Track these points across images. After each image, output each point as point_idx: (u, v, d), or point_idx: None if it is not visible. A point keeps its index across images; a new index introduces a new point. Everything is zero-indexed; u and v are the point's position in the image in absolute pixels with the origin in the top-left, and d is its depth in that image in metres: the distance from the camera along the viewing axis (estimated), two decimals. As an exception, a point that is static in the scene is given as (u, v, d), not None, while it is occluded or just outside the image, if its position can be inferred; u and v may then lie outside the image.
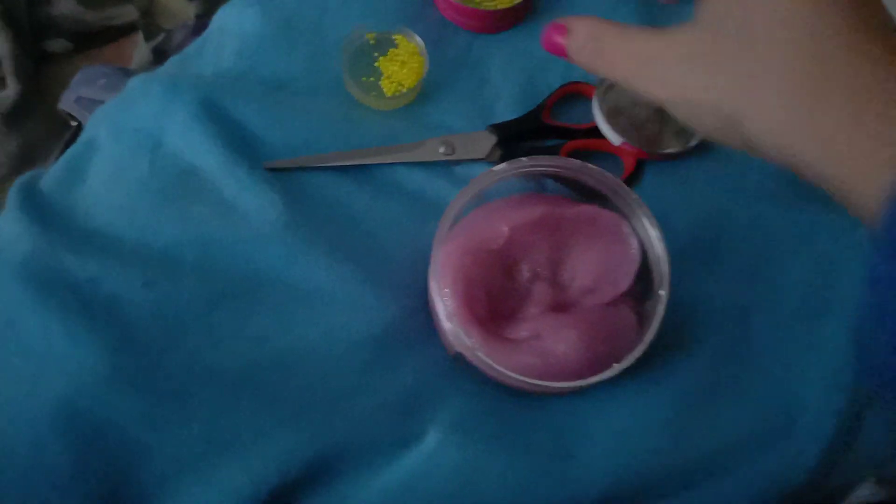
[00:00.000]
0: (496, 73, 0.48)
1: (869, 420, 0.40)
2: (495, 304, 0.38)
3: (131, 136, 0.44)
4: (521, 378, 0.35)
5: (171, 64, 0.48)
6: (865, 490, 0.43)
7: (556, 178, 0.42)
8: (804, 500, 0.40)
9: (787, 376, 0.41)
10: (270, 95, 0.45)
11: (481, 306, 0.37)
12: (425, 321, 0.41)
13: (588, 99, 0.46)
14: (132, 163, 0.43)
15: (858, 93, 0.25)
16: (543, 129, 0.46)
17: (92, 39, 0.96)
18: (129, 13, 0.95)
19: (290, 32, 0.47)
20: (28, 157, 0.89)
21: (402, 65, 0.47)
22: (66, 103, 0.84)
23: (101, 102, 0.47)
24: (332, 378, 0.39)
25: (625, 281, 0.38)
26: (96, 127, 0.46)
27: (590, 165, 0.39)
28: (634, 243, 0.39)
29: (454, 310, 0.36)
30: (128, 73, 0.85)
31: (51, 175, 0.44)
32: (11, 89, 0.89)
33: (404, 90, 0.46)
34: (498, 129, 0.45)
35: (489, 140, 0.45)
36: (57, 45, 0.95)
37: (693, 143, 0.45)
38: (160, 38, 0.92)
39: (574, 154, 0.46)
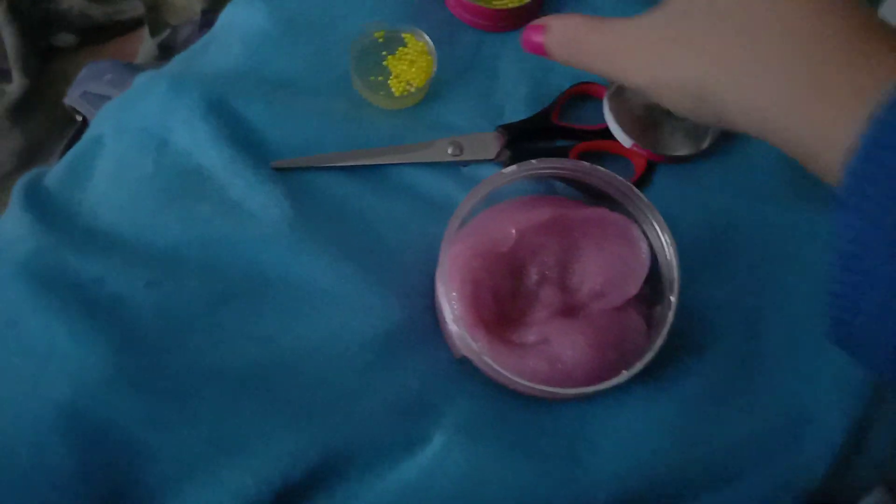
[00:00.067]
0: (505, 73, 0.47)
1: (877, 424, 0.40)
2: (503, 308, 0.37)
3: (136, 135, 0.43)
4: (528, 384, 0.34)
5: (177, 61, 0.48)
6: (875, 496, 0.43)
7: (565, 180, 0.41)
8: (814, 507, 0.39)
9: (796, 381, 0.40)
10: (277, 94, 0.45)
11: (488, 310, 0.37)
12: (431, 323, 0.40)
13: (598, 100, 0.46)
14: (137, 161, 0.43)
15: (819, 61, 0.27)
16: (553, 131, 0.46)
17: (98, 34, 0.96)
18: (136, 8, 0.95)
19: (297, 30, 0.47)
20: (33, 153, 0.89)
21: (411, 64, 0.46)
22: (72, 98, 0.83)
23: (107, 97, 0.47)
24: (336, 379, 0.38)
25: (634, 285, 0.38)
26: (101, 125, 0.45)
27: (600, 168, 0.38)
28: (644, 247, 0.38)
29: (461, 313, 0.36)
30: (134, 69, 0.85)
31: (55, 173, 0.44)
32: (17, 84, 0.89)
33: (413, 90, 0.46)
34: (507, 129, 0.45)
35: (498, 141, 0.44)
36: (63, 39, 0.94)
37: (704, 145, 0.44)
38: (166, 33, 0.92)
39: (584, 156, 0.45)
